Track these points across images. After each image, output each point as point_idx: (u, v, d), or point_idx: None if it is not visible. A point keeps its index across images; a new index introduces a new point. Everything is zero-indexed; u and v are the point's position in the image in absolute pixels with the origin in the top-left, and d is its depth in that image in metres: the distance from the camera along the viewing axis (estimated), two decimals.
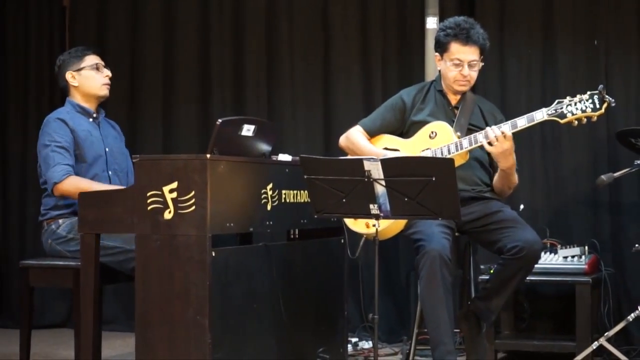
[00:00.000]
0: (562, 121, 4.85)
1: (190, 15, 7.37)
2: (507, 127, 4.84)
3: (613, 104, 4.82)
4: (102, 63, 5.56)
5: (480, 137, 4.91)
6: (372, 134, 5.29)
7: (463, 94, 5.22)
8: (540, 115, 4.86)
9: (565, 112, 4.83)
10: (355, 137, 5.29)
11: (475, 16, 6.54)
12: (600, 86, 4.82)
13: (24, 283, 5.33)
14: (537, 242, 4.87)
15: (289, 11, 7.19)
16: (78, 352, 4.96)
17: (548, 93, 6.48)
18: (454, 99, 5.23)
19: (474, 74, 5.15)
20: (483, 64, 5.21)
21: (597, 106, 4.80)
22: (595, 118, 4.83)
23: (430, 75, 6.57)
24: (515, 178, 5.07)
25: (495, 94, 6.45)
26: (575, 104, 4.82)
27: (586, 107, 4.80)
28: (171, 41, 7.41)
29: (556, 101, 4.87)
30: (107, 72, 5.56)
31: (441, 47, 5.17)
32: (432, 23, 6.67)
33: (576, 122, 4.85)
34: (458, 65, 5.12)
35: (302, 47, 7.17)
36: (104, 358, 5.82)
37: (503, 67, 6.62)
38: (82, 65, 5.51)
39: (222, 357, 4.53)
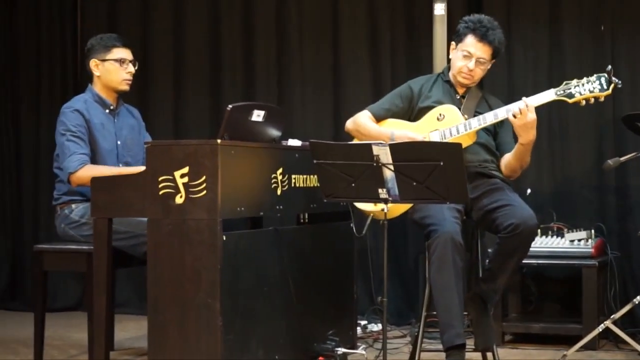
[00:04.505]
0: (570, 101, 4.87)
1: (201, 2, 7.36)
2: (522, 103, 4.84)
3: (620, 85, 4.83)
4: (129, 58, 5.54)
5: (489, 117, 4.93)
6: (379, 119, 5.28)
7: (469, 88, 5.22)
8: (550, 95, 4.87)
9: (573, 92, 4.84)
10: (362, 121, 5.28)
11: (482, 6, 6.56)
12: (608, 67, 4.82)
13: (37, 267, 5.35)
14: (532, 218, 4.83)
15: None
16: (91, 335, 4.98)
17: (555, 78, 6.45)
18: (460, 90, 5.23)
19: (479, 71, 5.14)
20: (490, 65, 5.20)
21: (605, 87, 4.81)
22: (603, 98, 4.85)
23: (438, 60, 6.56)
24: (529, 157, 5.06)
25: (502, 79, 6.45)
26: (583, 84, 4.83)
27: (594, 87, 4.82)
28: (182, 28, 7.41)
29: (564, 82, 4.88)
30: (131, 69, 5.55)
31: (458, 37, 5.18)
32: (439, 9, 6.66)
33: (584, 102, 4.87)
34: (467, 58, 5.11)
35: (311, 34, 7.16)
36: (116, 340, 5.86)
37: (510, 52, 6.59)
38: (108, 57, 5.49)
39: (232, 338, 4.54)
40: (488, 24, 5.11)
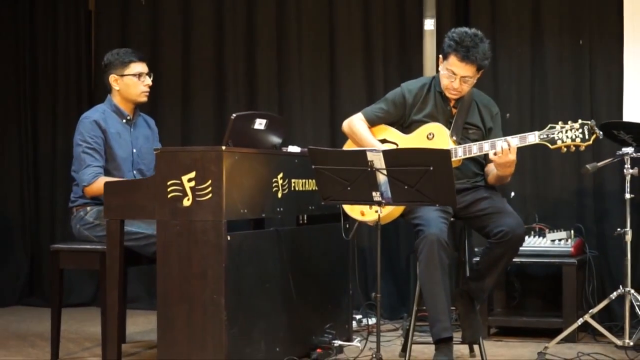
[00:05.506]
0: (552, 147, 4.78)
1: (205, 18, 7.36)
2: (505, 143, 4.77)
3: (601, 137, 4.77)
4: (146, 71, 5.55)
5: (474, 149, 4.88)
6: (372, 124, 5.22)
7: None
8: (532, 138, 4.80)
9: (556, 138, 4.76)
10: (357, 125, 5.21)
11: (469, 18, 6.57)
12: (592, 120, 4.77)
13: (54, 265, 5.35)
14: (520, 226, 4.86)
15: (297, 14, 7.17)
16: (104, 329, 4.97)
17: (536, 88, 6.48)
18: (452, 100, 5.17)
19: (465, 87, 5.03)
20: (479, 75, 5.09)
21: (587, 137, 4.73)
22: (583, 148, 4.79)
23: (428, 72, 6.56)
24: (510, 178, 5.06)
25: (488, 88, 6.43)
26: (567, 131, 4.75)
27: (576, 136, 4.74)
28: (188, 41, 7.40)
29: (548, 126, 4.80)
30: (148, 81, 5.55)
31: (443, 53, 5.05)
32: (429, 25, 6.67)
33: (565, 149, 4.80)
34: (451, 77, 5.00)
35: (309, 47, 7.15)
36: (128, 334, 5.85)
37: (495, 64, 6.59)
38: (126, 72, 5.49)
39: (236, 332, 4.55)
40: (470, 43, 4.94)
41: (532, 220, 6.15)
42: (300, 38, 7.17)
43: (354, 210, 5.03)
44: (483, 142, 4.91)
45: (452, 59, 4.98)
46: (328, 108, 7.08)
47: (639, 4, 6.25)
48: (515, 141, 4.80)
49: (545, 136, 4.79)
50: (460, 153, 4.93)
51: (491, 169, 5.05)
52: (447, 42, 5.02)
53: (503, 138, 4.84)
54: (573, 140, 4.76)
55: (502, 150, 4.77)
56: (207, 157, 4.51)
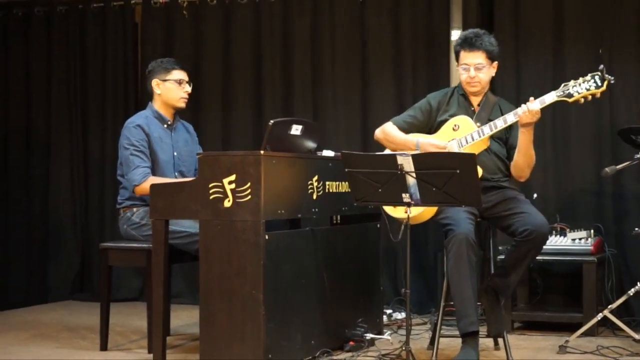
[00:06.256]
0: (570, 100, 4.81)
1: (244, 30, 7.37)
2: (530, 104, 4.78)
3: (612, 81, 4.78)
4: (186, 79, 5.58)
5: (499, 123, 4.90)
6: (403, 131, 5.24)
7: (484, 95, 5.19)
8: (551, 97, 4.83)
9: (572, 92, 4.79)
10: (390, 130, 5.25)
11: (494, 29, 6.54)
12: (600, 66, 4.78)
13: (103, 263, 5.38)
14: (545, 225, 4.85)
15: (331, 26, 7.16)
16: (150, 322, 5.00)
17: None
18: (475, 101, 5.20)
19: (482, 76, 5.11)
20: (495, 68, 5.18)
21: (599, 84, 4.76)
22: (599, 95, 4.80)
23: (454, 80, 6.55)
24: (533, 153, 5.01)
25: (511, 96, 6.39)
26: (580, 84, 4.79)
27: (590, 85, 4.77)
28: (228, 52, 7.41)
29: (562, 84, 4.84)
30: (188, 89, 5.58)
31: (456, 57, 5.20)
32: (456, 35, 6.64)
33: (582, 100, 4.81)
34: (466, 70, 5.11)
35: (342, 57, 7.15)
36: (172, 327, 5.87)
37: (518, 72, 6.59)
38: (168, 77, 5.53)
39: (273, 326, 4.56)
40: (472, 35, 5.13)
41: (554, 221, 6.11)
42: (333, 48, 7.16)
43: (397, 211, 5.00)
44: (506, 115, 4.93)
45: (462, 54, 5.13)
46: (360, 115, 7.08)
47: None
48: (536, 104, 4.81)
49: (561, 92, 4.82)
50: (486, 130, 4.95)
51: (514, 160, 5.05)
52: (455, 45, 5.20)
53: (524, 104, 4.85)
54: (588, 89, 4.79)
55: (525, 111, 4.79)
56: (246, 161, 4.52)
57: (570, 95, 4.80)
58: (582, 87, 4.78)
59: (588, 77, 4.78)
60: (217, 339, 4.58)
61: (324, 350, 4.99)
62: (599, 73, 4.77)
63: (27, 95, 7.85)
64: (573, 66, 6.44)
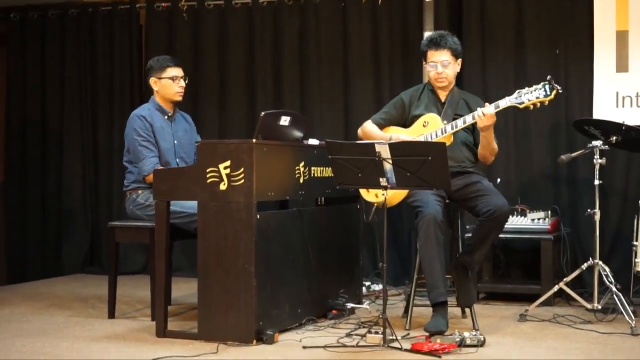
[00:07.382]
0: (520, 106, 4.84)
1: (239, 31, 7.35)
2: (485, 109, 4.83)
3: (561, 91, 4.80)
4: (180, 75, 5.54)
5: (459, 123, 4.93)
6: (380, 126, 5.29)
7: (450, 90, 5.21)
8: (504, 102, 4.86)
9: (523, 99, 4.82)
10: (369, 128, 5.29)
11: (462, 30, 6.55)
12: (549, 76, 4.81)
13: (111, 239, 5.39)
14: (505, 205, 4.88)
15: (316, 28, 7.15)
16: (153, 293, 5.00)
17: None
18: (442, 95, 5.22)
19: (448, 72, 5.14)
20: (459, 64, 5.21)
21: (548, 93, 4.78)
22: (547, 103, 4.82)
23: (427, 78, 6.54)
24: (495, 146, 5.06)
25: (478, 92, 6.42)
26: (532, 92, 4.81)
27: (539, 94, 4.79)
28: (224, 51, 7.39)
29: (517, 91, 4.87)
30: (182, 84, 5.55)
31: (423, 56, 5.23)
32: None
33: (532, 107, 4.84)
34: (433, 67, 5.14)
35: (326, 57, 7.14)
36: (173, 297, 5.88)
37: (484, 69, 6.60)
38: (163, 75, 5.51)
39: (264, 296, 4.57)
40: (436, 35, 5.17)
41: (515, 202, 6.14)
42: (318, 49, 7.16)
43: (369, 195, 5.07)
44: (465, 116, 4.96)
45: (430, 53, 5.16)
46: (342, 107, 7.08)
47: (608, 16, 6.23)
48: (491, 108, 4.84)
49: (514, 99, 4.84)
50: (448, 129, 4.98)
51: (478, 150, 5.09)
52: (422, 46, 5.23)
53: (480, 108, 4.88)
54: (537, 97, 4.81)
55: (481, 115, 4.82)
56: (240, 149, 4.53)
57: (521, 102, 4.83)
58: (533, 95, 4.81)
59: (540, 86, 4.80)
60: (213, 308, 4.59)
61: (310, 318, 5.01)
62: (548, 82, 4.78)
63: (43, 90, 7.83)
64: (533, 64, 6.47)
